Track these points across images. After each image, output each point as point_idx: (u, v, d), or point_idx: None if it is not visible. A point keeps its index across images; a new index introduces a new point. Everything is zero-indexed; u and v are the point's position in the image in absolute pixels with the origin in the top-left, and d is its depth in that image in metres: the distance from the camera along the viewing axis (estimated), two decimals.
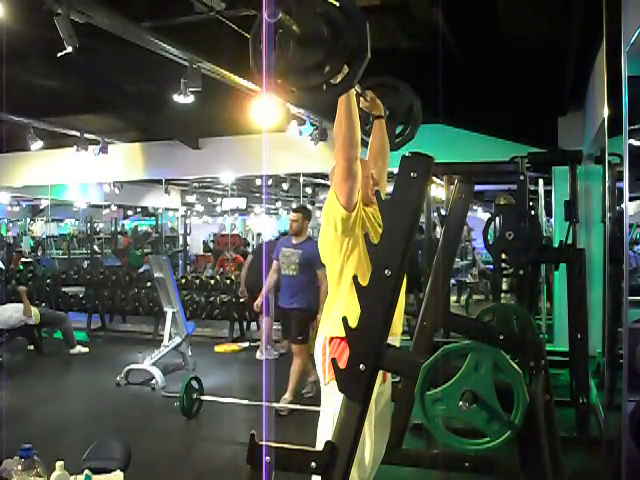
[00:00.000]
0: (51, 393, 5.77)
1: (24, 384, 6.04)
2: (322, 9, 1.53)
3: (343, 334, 2.14)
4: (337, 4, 1.54)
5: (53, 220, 16.50)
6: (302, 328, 5.25)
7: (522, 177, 4.29)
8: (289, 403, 4.99)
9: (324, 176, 11.75)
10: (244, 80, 5.63)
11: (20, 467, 1.78)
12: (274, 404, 4.90)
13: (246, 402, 4.96)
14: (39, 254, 15.38)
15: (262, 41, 1.59)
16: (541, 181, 8.11)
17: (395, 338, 2.53)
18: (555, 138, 6.97)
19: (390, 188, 1.75)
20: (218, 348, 7.67)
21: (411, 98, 2.95)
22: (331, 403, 2.33)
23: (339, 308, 2.39)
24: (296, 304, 5.28)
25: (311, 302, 5.23)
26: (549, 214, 8.71)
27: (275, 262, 5.53)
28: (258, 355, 7.13)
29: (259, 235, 16.33)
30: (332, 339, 2.40)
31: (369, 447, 2.42)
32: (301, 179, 10.34)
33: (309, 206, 14.86)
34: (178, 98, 5.44)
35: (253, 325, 8.39)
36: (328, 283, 2.55)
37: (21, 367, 6.87)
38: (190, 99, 5.44)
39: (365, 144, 2.76)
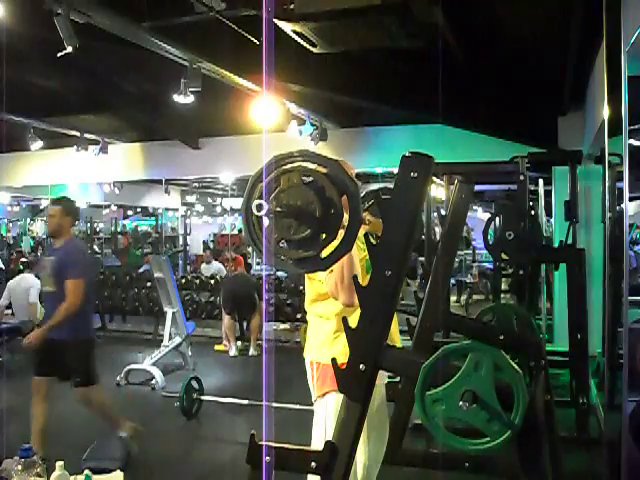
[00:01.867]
0: (51, 393, 5.76)
1: (24, 384, 6.02)
2: (310, 179, 1.51)
3: (327, 361, 2.23)
4: (324, 170, 1.53)
5: None
6: (81, 365, 3.95)
7: (522, 177, 4.29)
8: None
9: None
10: (244, 80, 5.63)
11: (20, 467, 1.78)
12: (274, 404, 4.91)
13: (246, 402, 4.96)
14: (39, 254, 15.38)
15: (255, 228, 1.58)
16: (541, 181, 8.11)
17: None
18: (555, 138, 6.97)
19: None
20: (218, 347, 7.68)
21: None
22: (321, 417, 2.41)
23: (325, 335, 2.44)
24: (65, 333, 3.81)
25: (80, 327, 3.88)
26: (549, 214, 8.72)
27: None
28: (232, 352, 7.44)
29: None
30: (318, 364, 2.45)
31: (363, 448, 2.43)
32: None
33: None
34: (178, 98, 5.43)
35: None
36: (313, 306, 2.53)
37: (21, 367, 6.86)
38: (190, 99, 5.44)
39: None
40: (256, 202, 1.50)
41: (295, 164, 1.55)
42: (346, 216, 1.54)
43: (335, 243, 1.54)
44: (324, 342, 2.43)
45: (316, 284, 2.44)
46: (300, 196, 1.50)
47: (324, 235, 1.52)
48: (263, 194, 1.52)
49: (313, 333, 2.53)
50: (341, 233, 1.55)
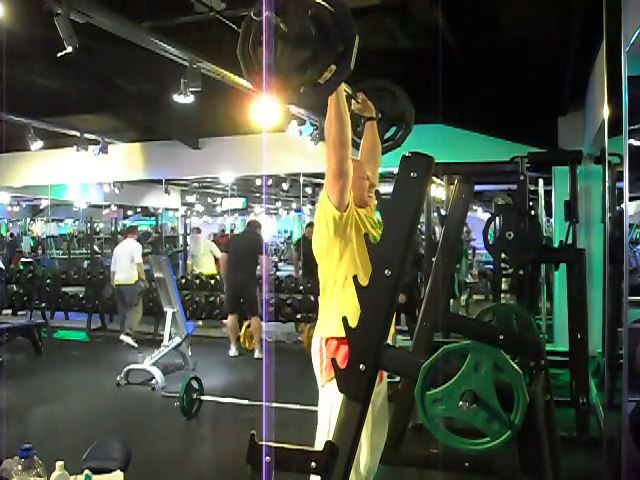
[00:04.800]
0: (51, 393, 5.77)
1: (24, 384, 6.03)
2: (313, 11, 1.54)
3: (338, 334, 2.19)
4: (330, 8, 1.55)
5: (53, 220, 16.50)
6: None
7: (522, 177, 4.29)
8: None
9: (324, 176, 11.77)
10: (244, 80, 5.63)
11: (20, 467, 1.78)
12: (274, 404, 4.90)
13: (246, 402, 4.96)
14: (39, 254, 15.38)
15: (251, 42, 1.61)
16: (541, 181, 8.12)
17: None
18: (555, 138, 6.97)
19: (390, 188, 1.76)
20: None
21: (405, 104, 2.93)
22: (328, 404, 2.33)
23: (334, 308, 2.39)
24: None
25: None
26: (549, 214, 8.72)
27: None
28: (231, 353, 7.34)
29: None
30: (328, 339, 2.40)
31: (366, 448, 2.42)
32: (301, 179, 10.34)
33: (310, 206, 14.93)
34: (178, 98, 5.44)
35: None
36: (322, 283, 2.52)
37: (21, 367, 6.87)
38: (190, 99, 5.44)
39: (356, 146, 2.76)
40: (256, 8, 1.54)
41: None
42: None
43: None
44: (334, 313, 2.33)
45: (322, 249, 2.43)
46: (301, 25, 1.54)
47: (309, 72, 1.56)
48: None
49: (323, 310, 2.45)
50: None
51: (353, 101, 2.66)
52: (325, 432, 2.29)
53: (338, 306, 2.36)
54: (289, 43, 1.53)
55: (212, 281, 8.92)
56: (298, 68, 1.54)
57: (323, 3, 1.57)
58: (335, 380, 2.25)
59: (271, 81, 1.57)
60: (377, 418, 2.51)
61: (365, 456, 2.43)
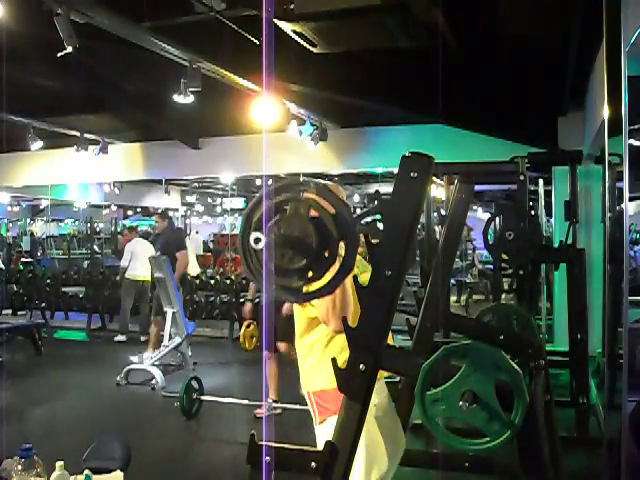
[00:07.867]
0: (51, 393, 5.78)
1: (24, 384, 6.04)
2: (314, 215, 1.48)
3: (320, 387, 2.28)
4: (332, 211, 1.49)
5: (53, 220, 16.52)
6: None
7: (522, 177, 4.29)
8: None
9: (324, 176, 11.77)
10: (244, 80, 5.63)
11: (20, 467, 1.78)
12: (274, 404, 4.90)
13: (246, 402, 4.96)
14: (39, 254, 15.39)
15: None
16: (541, 181, 8.11)
17: None
18: (555, 138, 6.97)
19: (390, 188, 1.75)
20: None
21: None
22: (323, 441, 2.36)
23: (312, 360, 2.37)
24: None
25: None
26: (549, 214, 8.72)
27: None
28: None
29: None
30: (315, 392, 2.38)
31: (381, 451, 2.35)
32: (301, 179, 10.33)
33: None
34: (178, 98, 5.44)
35: None
36: (304, 338, 2.43)
37: (21, 367, 6.87)
38: (190, 99, 5.44)
39: None
40: (254, 235, 1.47)
41: (306, 195, 1.52)
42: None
43: (321, 283, 1.52)
44: (313, 370, 2.36)
45: (307, 310, 2.37)
46: (301, 229, 1.47)
47: (311, 273, 1.49)
48: (264, 218, 1.48)
49: (302, 364, 2.44)
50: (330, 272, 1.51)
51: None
52: None
53: (321, 360, 2.33)
54: (288, 246, 1.47)
55: (212, 281, 8.92)
56: (295, 271, 1.48)
57: (323, 204, 1.50)
58: (328, 419, 2.26)
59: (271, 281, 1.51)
60: (382, 421, 2.38)
61: (383, 459, 2.35)
